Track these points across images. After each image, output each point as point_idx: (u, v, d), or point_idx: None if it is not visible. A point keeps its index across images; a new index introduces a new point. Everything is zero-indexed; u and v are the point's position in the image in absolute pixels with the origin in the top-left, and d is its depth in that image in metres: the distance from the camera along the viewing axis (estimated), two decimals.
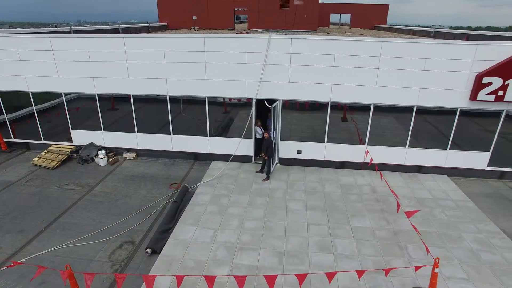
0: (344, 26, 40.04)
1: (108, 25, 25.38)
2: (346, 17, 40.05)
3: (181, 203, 10.20)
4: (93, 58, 12.15)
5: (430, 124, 11.76)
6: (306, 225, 9.18)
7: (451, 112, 11.36)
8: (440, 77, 10.81)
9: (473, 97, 10.77)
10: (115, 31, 21.97)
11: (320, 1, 29.63)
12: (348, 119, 11.99)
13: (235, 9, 29.16)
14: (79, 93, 12.97)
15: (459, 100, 11.05)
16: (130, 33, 22.40)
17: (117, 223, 9.33)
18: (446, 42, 10.42)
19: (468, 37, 17.15)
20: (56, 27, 19.37)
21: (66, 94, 13.10)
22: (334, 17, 39.17)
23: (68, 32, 17.31)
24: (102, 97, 12.93)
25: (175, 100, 12.49)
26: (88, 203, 10.37)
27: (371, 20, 36.92)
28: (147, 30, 26.38)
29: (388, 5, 37.08)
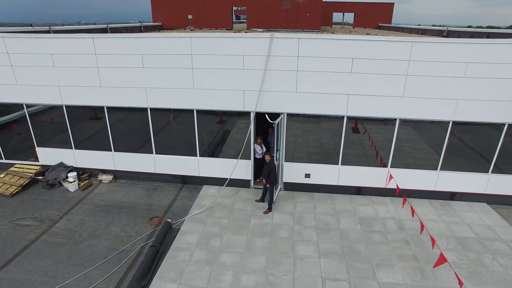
0: (347, 26, 38.00)
1: (95, 24, 23.21)
2: (349, 16, 38.14)
3: (161, 247, 8.07)
4: (58, 62, 10.02)
5: (468, 143, 9.63)
6: (320, 281, 7.05)
7: (495, 128, 9.24)
8: (484, 85, 8.69)
9: None
10: (103, 31, 19.77)
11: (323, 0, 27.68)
12: (360, 130, 9.85)
13: (234, 8, 27.21)
14: (43, 104, 10.86)
15: (507, 113, 8.92)
16: (120, 33, 20.22)
17: (76, 278, 7.19)
18: (495, 41, 8.30)
19: (488, 36, 15.00)
20: (31, 25, 17.19)
21: (28, 106, 10.98)
22: (336, 17, 37.16)
23: (47, 32, 15.14)
24: (72, 109, 10.80)
25: (159, 112, 10.35)
26: (44, 246, 8.23)
27: (375, 19, 34.96)
28: (139, 30, 24.22)
29: (393, 3, 35.07)
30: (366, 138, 9.95)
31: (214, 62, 9.29)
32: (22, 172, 11.33)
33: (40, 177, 11.35)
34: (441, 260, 6.36)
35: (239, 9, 29.82)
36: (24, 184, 10.81)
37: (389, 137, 9.75)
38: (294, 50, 8.92)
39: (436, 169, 9.90)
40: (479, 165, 9.74)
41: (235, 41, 9.08)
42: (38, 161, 11.78)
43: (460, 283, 5.90)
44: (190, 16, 25.61)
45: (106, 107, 10.51)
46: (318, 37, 8.88)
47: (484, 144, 9.59)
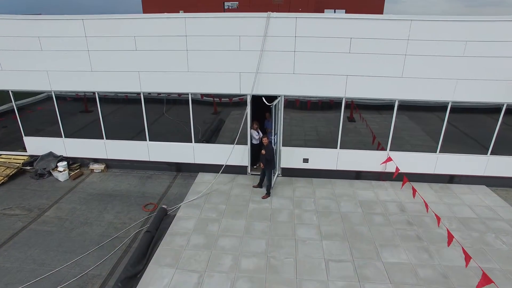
0: None
1: None
2: (340, 13, 38.31)
3: (157, 232, 7.75)
4: (46, 46, 9.63)
5: (467, 124, 9.56)
6: (323, 262, 6.83)
7: (494, 108, 9.17)
8: (483, 64, 8.61)
9: None
10: None
11: None
12: (355, 119, 9.71)
13: (226, 6, 27.21)
14: (30, 90, 10.40)
15: (506, 93, 8.86)
16: None
17: (67, 265, 6.84)
18: (495, 18, 8.21)
19: None
20: None
21: (15, 93, 10.53)
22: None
23: None
24: (61, 96, 10.39)
25: (152, 98, 10.04)
26: (32, 234, 7.84)
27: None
28: None
29: None
30: (362, 126, 9.77)
31: (209, 44, 9.02)
32: (9, 162, 10.86)
33: (28, 167, 10.90)
34: (450, 238, 6.21)
35: (230, 7, 30.14)
36: (11, 174, 10.36)
37: (385, 125, 9.64)
38: (291, 30, 8.71)
39: (436, 152, 9.80)
40: (478, 147, 9.66)
41: (231, 21, 8.83)
42: (26, 151, 11.32)
43: (468, 257, 5.74)
44: (181, 11, 25.37)
45: (98, 93, 10.13)
46: (316, 16, 8.69)
47: (482, 127, 9.51)
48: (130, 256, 6.93)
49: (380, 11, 34.97)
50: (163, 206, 8.64)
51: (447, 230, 6.63)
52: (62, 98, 10.40)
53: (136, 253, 6.92)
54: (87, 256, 7.13)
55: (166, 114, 10.33)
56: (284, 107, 9.57)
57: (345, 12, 34.56)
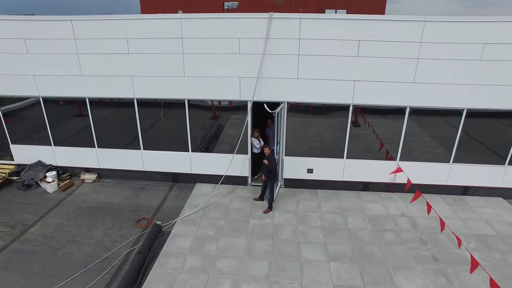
0: None
1: None
2: (342, 14, 37.80)
3: (150, 252, 7.12)
4: (32, 48, 9.00)
5: (482, 131, 8.94)
6: None
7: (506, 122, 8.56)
8: (502, 68, 7.98)
9: None
10: None
11: None
12: (360, 124, 9.10)
13: (225, 5, 26.75)
14: (16, 96, 9.78)
15: None
16: None
17: None
18: None
19: None
20: None
21: (0, 98, 9.91)
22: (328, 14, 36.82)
23: None
24: (50, 101, 9.77)
25: (146, 103, 9.41)
26: (13, 255, 7.20)
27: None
28: None
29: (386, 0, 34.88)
30: (368, 132, 9.15)
31: (207, 46, 8.39)
32: None
33: (15, 178, 10.26)
34: (474, 264, 5.57)
35: (230, 7, 29.86)
36: None
37: (391, 130, 9.02)
38: (295, 32, 8.08)
39: (448, 162, 9.17)
40: (495, 156, 9.04)
41: (231, 22, 8.20)
42: (13, 160, 10.69)
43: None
44: (180, 12, 24.85)
45: (88, 99, 9.50)
46: (322, 17, 8.07)
47: (499, 135, 8.89)
48: (119, 281, 6.29)
49: (382, 12, 34.44)
50: (157, 222, 8.00)
51: (471, 255, 5.98)
52: (51, 102, 9.77)
53: (126, 278, 6.29)
54: (72, 281, 6.49)
55: (163, 118, 9.70)
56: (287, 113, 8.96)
57: (346, 13, 34.00)
